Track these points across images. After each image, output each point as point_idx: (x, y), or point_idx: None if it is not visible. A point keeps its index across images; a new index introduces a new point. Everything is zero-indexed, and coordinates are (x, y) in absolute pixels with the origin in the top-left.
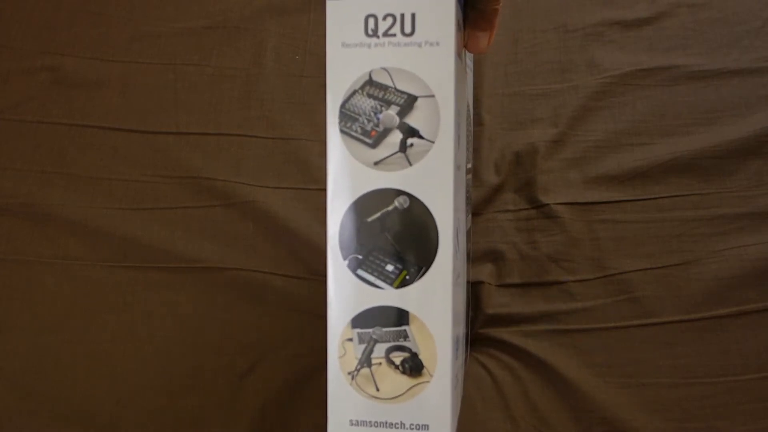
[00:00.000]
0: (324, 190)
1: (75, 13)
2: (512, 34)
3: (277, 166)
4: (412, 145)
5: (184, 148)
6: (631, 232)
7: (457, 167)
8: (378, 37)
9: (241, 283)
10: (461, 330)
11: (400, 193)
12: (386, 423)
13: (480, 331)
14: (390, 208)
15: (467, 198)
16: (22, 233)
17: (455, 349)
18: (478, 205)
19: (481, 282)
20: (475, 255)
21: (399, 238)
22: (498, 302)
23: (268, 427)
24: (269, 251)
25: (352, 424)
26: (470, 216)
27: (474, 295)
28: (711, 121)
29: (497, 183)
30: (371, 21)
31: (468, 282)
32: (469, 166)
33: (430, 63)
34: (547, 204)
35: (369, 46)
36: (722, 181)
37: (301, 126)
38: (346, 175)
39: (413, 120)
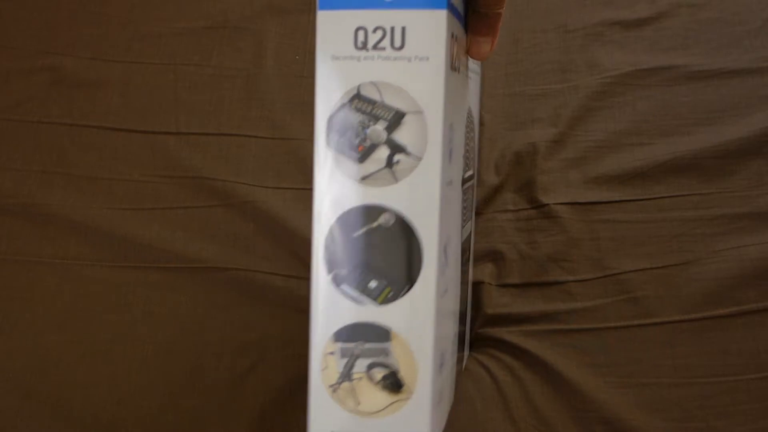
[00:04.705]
0: None
1: (75, 13)
2: (512, 35)
3: (277, 166)
4: (398, 161)
5: (184, 148)
6: (631, 232)
7: (447, 183)
8: (367, 50)
9: (241, 283)
10: (449, 344)
11: (385, 210)
12: None
13: (480, 331)
14: (374, 225)
15: (464, 208)
16: (22, 233)
17: (439, 366)
18: (478, 205)
19: (481, 282)
20: (475, 255)
21: (383, 255)
22: (498, 302)
23: (268, 427)
24: (269, 251)
25: None
26: (471, 222)
27: (474, 295)
28: (711, 121)
29: (497, 183)
30: (361, 33)
31: (468, 282)
32: (471, 173)
33: (419, 78)
34: (547, 204)
35: (358, 59)
36: (722, 181)
37: (301, 126)
38: (333, 190)
39: (401, 136)
